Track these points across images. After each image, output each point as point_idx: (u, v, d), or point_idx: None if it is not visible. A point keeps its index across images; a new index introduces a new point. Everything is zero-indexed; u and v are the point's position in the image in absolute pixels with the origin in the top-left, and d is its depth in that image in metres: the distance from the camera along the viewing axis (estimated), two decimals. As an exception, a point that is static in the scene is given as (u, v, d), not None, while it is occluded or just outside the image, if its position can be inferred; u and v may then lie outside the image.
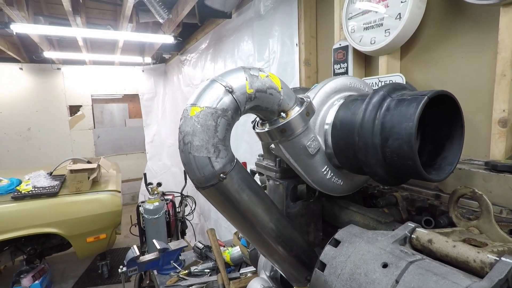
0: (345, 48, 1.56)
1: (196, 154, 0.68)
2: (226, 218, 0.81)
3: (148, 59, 5.38)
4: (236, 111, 0.71)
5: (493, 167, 0.82)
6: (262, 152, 1.14)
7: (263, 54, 2.79)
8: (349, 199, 1.08)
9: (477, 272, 0.57)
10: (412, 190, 1.02)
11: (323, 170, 0.88)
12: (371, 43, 1.36)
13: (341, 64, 1.59)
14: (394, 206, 1.01)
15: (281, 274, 1.16)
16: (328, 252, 0.71)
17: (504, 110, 1.00)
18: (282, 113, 0.79)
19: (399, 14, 1.23)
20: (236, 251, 2.01)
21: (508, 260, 0.54)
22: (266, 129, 0.80)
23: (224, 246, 2.22)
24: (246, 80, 0.72)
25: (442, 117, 0.77)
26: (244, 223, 0.80)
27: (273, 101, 0.76)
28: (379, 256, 0.63)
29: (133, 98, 6.71)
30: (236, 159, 0.75)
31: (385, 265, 0.61)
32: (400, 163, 0.71)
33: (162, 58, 5.87)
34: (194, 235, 4.22)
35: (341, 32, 1.56)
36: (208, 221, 4.23)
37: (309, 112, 0.80)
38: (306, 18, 2.04)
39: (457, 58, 1.21)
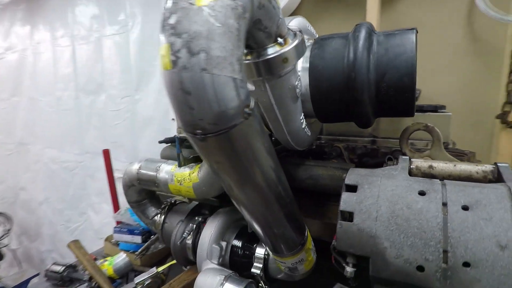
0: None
1: (216, 72, 0.42)
2: (225, 175, 0.57)
3: None
4: (250, 17, 0.49)
5: (419, 108, 0.97)
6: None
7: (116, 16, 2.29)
8: (297, 156, 1.02)
9: (481, 181, 0.65)
10: (348, 141, 1.08)
11: (300, 118, 0.78)
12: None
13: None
14: (339, 156, 1.04)
15: (230, 258, 0.98)
16: (349, 200, 0.63)
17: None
18: (279, 39, 0.62)
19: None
20: (120, 259, 1.57)
21: (503, 164, 0.64)
22: (261, 59, 0.61)
23: (96, 259, 1.70)
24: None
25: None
26: (255, 178, 0.58)
27: (274, 18, 0.58)
28: (409, 187, 0.60)
29: None
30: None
31: (422, 193, 0.59)
32: (396, 98, 0.71)
33: None
34: (18, 263, 3.06)
35: None
36: (39, 241, 3.16)
37: (302, 45, 0.67)
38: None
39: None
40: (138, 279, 1.44)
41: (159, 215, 1.15)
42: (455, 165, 0.67)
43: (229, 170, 0.56)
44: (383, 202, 0.60)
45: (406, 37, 0.69)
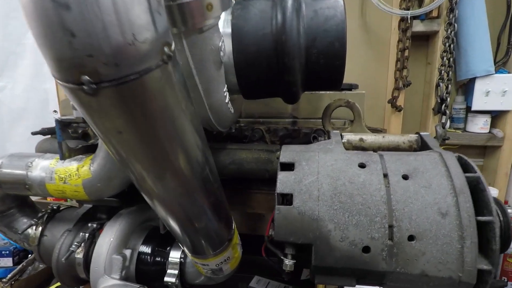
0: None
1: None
2: (132, 157, 0.40)
3: None
4: None
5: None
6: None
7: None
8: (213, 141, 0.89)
9: (408, 150, 0.64)
10: (269, 123, 1.00)
11: (224, 90, 0.65)
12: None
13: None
14: (261, 139, 0.95)
15: (137, 268, 0.78)
16: (287, 180, 0.53)
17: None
18: (198, -21, 0.48)
19: None
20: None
21: (424, 133, 0.64)
22: (177, 2, 0.45)
23: None
24: None
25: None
26: (177, 159, 0.43)
27: None
28: (348, 160, 0.55)
29: None
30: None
31: (362, 165, 0.53)
32: (326, 66, 0.64)
33: None
34: None
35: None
36: None
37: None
38: None
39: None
40: (6, 315, 1.09)
41: (34, 227, 0.86)
42: (383, 137, 0.65)
43: (138, 149, 0.39)
44: (324, 178, 0.52)
45: (334, 0, 0.63)
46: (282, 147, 0.60)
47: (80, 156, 0.77)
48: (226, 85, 0.66)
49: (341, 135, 0.66)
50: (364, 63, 1.77)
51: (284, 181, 0.53)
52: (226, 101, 0.67)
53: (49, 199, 1.46)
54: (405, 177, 0.51)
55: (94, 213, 0.92)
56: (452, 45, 1.49)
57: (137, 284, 0.70)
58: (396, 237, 0.47)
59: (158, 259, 0.79)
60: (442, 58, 1.53)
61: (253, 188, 0.94)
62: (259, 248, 1.51)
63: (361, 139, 0.65)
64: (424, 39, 1.68)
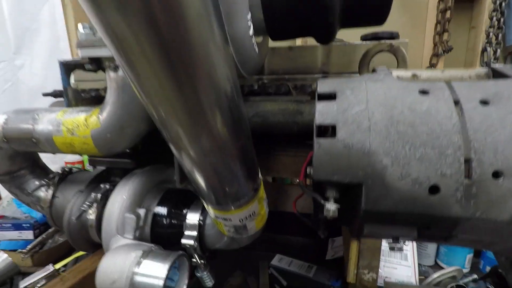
0: None
1: None
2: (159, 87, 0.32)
3: None
4: None
5: (374, 36, 0.84)
6: None
7: None
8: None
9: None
10: (296, 79, 0.90)
11: (248, 18, 0.55)
12: None
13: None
14: (286, 95, 0.85)
15: (152, 231, 0.71)
16: (328, 110, 0.43)
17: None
18: None
19: None
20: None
21: (496, 65, 0.52)
22: None
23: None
24: None
25: None
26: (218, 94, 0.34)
27: None
28: (405, 87, 0.44)
29: None
30: None
31: (424, 92, 0.42)
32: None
33: None
34: None
35: None
36: None
37: None
38: None
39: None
40: (24, 282, 1.06)
41: (45, 189, 0.80)
42: (443, 72, 0.53)
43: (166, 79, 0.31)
44: (375, 107, 0.41)
45: None
46: (318, 80, 0.50)
47: (89, 107, 0.70)
48: (250, 12, 0.56)
49: (389, 70, 0.55)
50: (397, 29, 1.61)
51: (324, 111, 0.43)
52: (250, 33, 0.57)
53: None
54: (484, 102, 0.40)
55: (107, 175, 0.86)
56: (503, 3, 1.31)
57: (151, 244, 0.63)
58: (475, 173, 0.36)
59: (174, 221, 0.71)
60: (491, 18, 1.35)
61: (278, 150, 0.84)
62: (281, 226, 1.42)
63: (414, 75, 0.54)
64: (468, 0, 1.50)
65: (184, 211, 0.72)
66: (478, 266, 1.27)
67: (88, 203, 0.73)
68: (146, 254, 0.58)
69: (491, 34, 1.36)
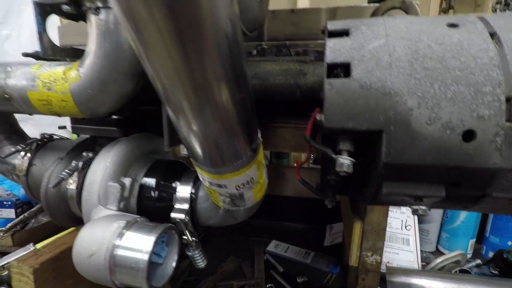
0: None
1: None
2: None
3: None
4: None
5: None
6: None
7: None
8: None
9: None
10: (298, 46, 0.83)
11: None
12: None
13: None
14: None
15: (139, 203, 0.64)
16: (341, 46, 0.36)
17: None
18: None
19: None
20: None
21: None
22: None
23: None
24: None
25: None
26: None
27: None
28: (431, 21, 0.37)
29: None
30: None
31: (453, 25, 0.36)
32: None
33: None
34: None
35: None
36: None
37: None
38: None
39: None
40: (2, 261, 0.99)
41: (21, 155, 0.73)
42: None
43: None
44: (397, 41, 0.35)
45: None
46: (327, 22, 0.43)
47: (68, 62, 0.63)
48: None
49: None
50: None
51: (336, 48, 0.36)
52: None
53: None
54: (527, 34, 0.33)
55: (92, 144, 0.79)
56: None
57: (136, 215, 0.56)
58: (519, 115, 0.30)
59: (164, 193, 0.65)
60: (500, -5, 1.29)
61: (277, 122, 0.78)
62: (277, 211, 1.36)
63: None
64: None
65: (174, 183, 0.65)
66: (480, 251, 1.23)
67: (68, 171, 0.66)
68: (129, 225, 0.51)
69: (497, 11, 1.30)
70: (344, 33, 0.38)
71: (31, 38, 1.63)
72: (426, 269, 1.08)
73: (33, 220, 1.27)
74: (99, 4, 0.52)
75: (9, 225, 1.14)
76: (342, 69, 0.35)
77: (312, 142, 0.38)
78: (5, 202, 1.29)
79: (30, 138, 0.79)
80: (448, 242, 1.24)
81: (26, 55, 0.84)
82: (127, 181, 0.62)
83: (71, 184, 0.67)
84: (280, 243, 1.27)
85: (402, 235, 1.18)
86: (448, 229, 1.24)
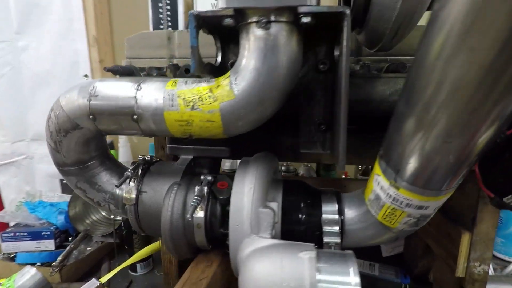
0: None
1: None
2: None
3: None
4: None
5: None
6: None
7: None
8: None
9: None
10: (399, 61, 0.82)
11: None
12: None
13: None
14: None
15: (283, 228, 0.59)
16: None
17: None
18: None
19: None
20: (26, 277, 0.94)
21: None
22: None
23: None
24: None
25: None
26: None
27: None
28: None
29: None
30: None
31: None
32: None
33: None
34: None
35: None
36: None
37: None
38: None
39: None
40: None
41: (128, 181, 0.65)
42: None
43: None
44: None
45: None
46: None
47: (204, 78, 0.57)
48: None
49: None
50: None
51: None
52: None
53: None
54: None
55: (194, 166, 0.72)
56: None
57: (311, 244, 0.51)
58: None
59: (308, 215, 0.60)
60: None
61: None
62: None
63: None
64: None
65: (317, 204, 0.61)
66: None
67: (197, 198, 0.59)
68: (319, 257, 0.46)
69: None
70: None
71: (53, 50, 1.50)
72: (499, 275, 1.09)
73: (76, 252, 1.15)
74: (272, 18, 0.48)
75: (59, 258, 1.02)
76: None
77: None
78: (43, 233, 1.16)
79: (121, 165, 0.71)
80: (504, 247, 1.26)
81: (108, 70, 0.77)
82: (274, 205, 0.57)
83: (198, 212, 0.61)
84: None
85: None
86: (503, 234, 1.27)
